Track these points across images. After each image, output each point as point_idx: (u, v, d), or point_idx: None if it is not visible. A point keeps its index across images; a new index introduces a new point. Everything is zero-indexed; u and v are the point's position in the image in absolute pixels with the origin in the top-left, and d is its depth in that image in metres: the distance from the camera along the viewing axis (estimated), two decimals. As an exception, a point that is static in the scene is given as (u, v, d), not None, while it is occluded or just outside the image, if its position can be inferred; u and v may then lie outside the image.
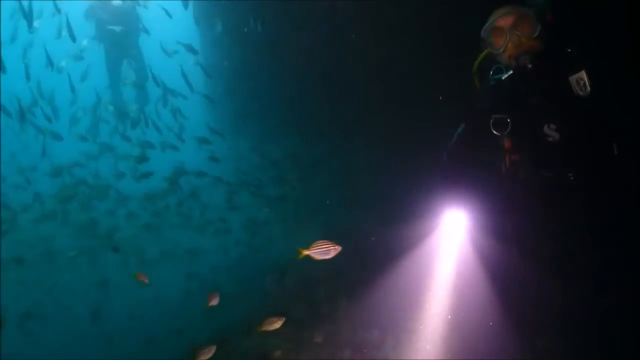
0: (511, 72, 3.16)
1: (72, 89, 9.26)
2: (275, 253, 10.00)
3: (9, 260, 10.01)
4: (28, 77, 8.01)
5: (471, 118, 3.42)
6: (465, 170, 3.57)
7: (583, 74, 2.93)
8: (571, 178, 3.16)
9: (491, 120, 3.21)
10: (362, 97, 7.46)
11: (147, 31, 10.18)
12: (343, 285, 6.95)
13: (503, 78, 3.22)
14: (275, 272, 8.29)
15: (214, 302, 5.16)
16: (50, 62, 8.27)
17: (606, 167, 3.04)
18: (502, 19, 3.02)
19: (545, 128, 3.10)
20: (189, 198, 12.04)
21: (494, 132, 3.20)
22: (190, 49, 9.30)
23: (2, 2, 8.58)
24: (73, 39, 8.20)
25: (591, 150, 3.06)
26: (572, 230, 3.29)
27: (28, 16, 8.01)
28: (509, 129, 3.18)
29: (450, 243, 3.63)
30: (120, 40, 10.86)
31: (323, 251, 3.51)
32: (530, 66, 2.95)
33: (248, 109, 10.94)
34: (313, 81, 8.09)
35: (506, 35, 3.00)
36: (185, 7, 9.17)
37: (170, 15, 9.36)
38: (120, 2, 10.54)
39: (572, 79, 2.97)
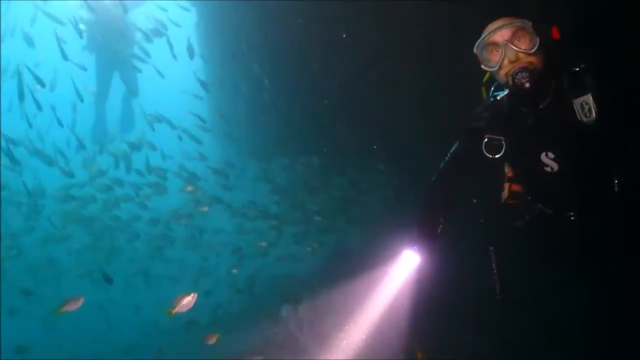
0: (507, 91, 2.86)
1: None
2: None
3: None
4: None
5: (465, 136, 3.11)
6: (453, 197, 3.28)
7: (589, 98, 2.59)
8: (572, 218, 2.87)
9: (484, 141, 2.92)
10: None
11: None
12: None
13: (499, 98, 2.93)
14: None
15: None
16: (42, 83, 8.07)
17: (607, 209, 2.73)
18: (497, 33, 2.67)
19: (543, 156, 2.79)
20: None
21: (486, 153, 2.91)
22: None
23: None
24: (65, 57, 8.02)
25: (593, 186, 2.76)
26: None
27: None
28: (502, 152, 2.89)
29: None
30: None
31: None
32: (528, 85, 2.59)
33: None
34: (331, 103, 7.92)
35: (502, 51, 2.65)
36: (191, 56, 8.90)
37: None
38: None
39: (576, 102, 2.63)
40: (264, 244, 10.96)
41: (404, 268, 3.19)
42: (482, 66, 2.80)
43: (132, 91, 11.80)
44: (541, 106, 2.73)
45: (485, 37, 2.71)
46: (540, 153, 2.79)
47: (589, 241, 2.95)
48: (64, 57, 7.83)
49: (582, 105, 2.59)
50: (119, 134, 11.80)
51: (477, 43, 2.76)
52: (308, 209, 10.86)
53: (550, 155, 2.76)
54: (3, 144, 8.12)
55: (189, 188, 9.83)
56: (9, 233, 11.05)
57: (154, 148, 9.77)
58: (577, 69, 2.66)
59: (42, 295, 10.65)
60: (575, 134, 2.65)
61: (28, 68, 7.64)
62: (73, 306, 5.30)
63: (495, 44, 2.70)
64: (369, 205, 10.19)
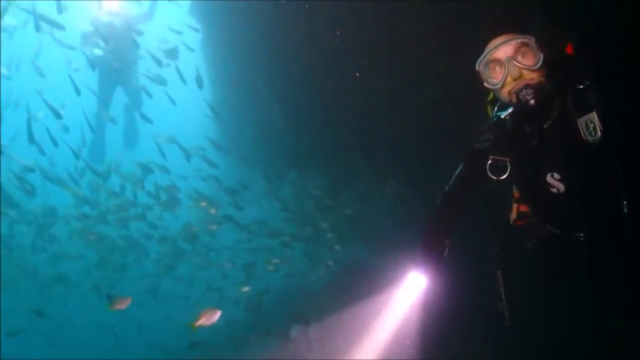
0: (511, 109, 2.71)
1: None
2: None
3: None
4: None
5: (469, 158, 3.02)
6: (458, 219, 3.16)
7: (594, 116, 2.50)
8: (581, 239, 2.79)
9: (488, 162, 2.83)
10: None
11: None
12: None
13: (503, 117, 2.78)
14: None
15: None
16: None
17: (616, 228, 2.62)
18: (500, 49, 2.61)
19: (549, 177, 2.70)
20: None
21: (491, 175, 2.82)
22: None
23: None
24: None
25: (600, 206, 2.66)
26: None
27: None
28: (507, 174, 2.80)
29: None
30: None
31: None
32: (533, 102, 2.51)
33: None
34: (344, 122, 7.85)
35: (505, 68, 2.58)
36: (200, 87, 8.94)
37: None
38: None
39: (581, 121, 2.54)
40: (276, 260, 10.92)
41: (410, 290, 3.14)
42: (485, 84, 2.73)
43: (135, 106, 11.87)
44: (545, 125, 2.65)
45: (488, 53, 2.65)
46: (546, 174, 2.71)
47: (599, 261, 2.87)
48: (77, 91, 7.88)
49: (586, 124, 2.51)
50: (125, 152, 11.81)
51: (479, 60, 2.70)
52: (318, 226, 10.84)
53: (556, 176, 2.68)
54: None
55: (203, 204, 9.87)
56: (20, 252, 11.06)
57: (165, 170, 9.79)
58: (582, 87, 2.57)
59: (51, 312, 10.76)
60: (581, 153, 2.57)
61: (46, 102, 7.73)
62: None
63: (497, 61, 2.64)
64: (379, 221, 10.05)
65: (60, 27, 8.28)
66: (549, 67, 2.59)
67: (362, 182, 9.41)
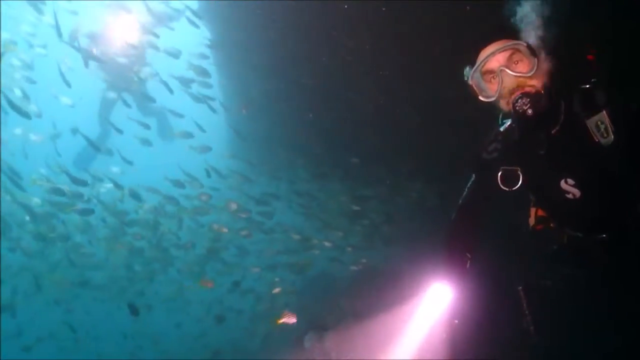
0: (509, 121, 2.67)
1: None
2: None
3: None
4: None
5: (479, 169, 2.91)
6: (477, 230, 3.04)
7: (604, 116, 2.37)
8: (603, 241, 2.70)
9: (499, 173, 2.69)
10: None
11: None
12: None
13: (501, 129, 2.73)
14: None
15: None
16: None
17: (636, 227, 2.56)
18: (492, 60, 2.46)
19: (563, 183, 2.58)
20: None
21: (502, 187, 2.68)
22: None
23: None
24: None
25: (618, 207, 2.58)
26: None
27: None
28: (519, 184, 2.66)
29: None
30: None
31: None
32: (530, 111, 2.36)
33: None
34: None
35: (499, 78, 2.44)
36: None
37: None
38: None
39: (591, 122, 2.41)
40: (299, 262, 10.87)
41: (433, 303, 3.02)
42: (480, 98, 2.57)
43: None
44: (553, 131, 2.51)
45: (479, 65, 2.49)
46: (559, 180, 2.58)
47: (626, 260, 2.81)
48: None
49: (597, 125, 2.39)
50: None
51: (470, 73, 2.54)
52: (340, 229, 10.83)
53: (570, 181, 2.55)
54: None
55: (234, 206, 9.91)
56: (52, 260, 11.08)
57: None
58: (588, 86, 2.46)
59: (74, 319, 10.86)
60: (594, 157, 2.45)
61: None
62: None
63: (490, 72, 2.50)
64: (401, 225, 10.08)
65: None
66: (548, 70, 2.46)
67: (385, 186, 9.40)
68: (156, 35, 8.74)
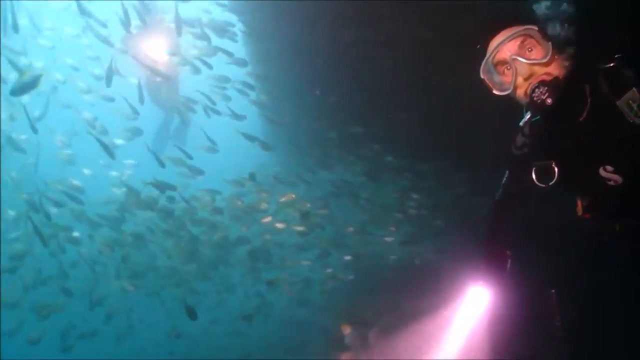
0: (529, 114, 2.45)
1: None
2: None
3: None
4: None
5: (511, 166, 2.77)
6: (511, 232, 2.94)
7: (635, 94, 2.18)
8: None
9: (533, 169, 2.52)
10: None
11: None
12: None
13: (521, 124, 2.53)
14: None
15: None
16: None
17: None
18: (502, 49, 2.31)
19: (602, 171, 2.36)
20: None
21: (537, 183, 2.50)
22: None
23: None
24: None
25: None
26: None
27: None
28: (555, 179, 2.47)
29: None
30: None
31: None
32: (549, 101, 2.20)
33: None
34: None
35: (512, 68, 2.28)
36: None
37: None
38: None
39: (622, 102, 2.20)
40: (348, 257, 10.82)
41: (474, 305, 3.00)
42: (495, 92, 2.41)
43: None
44: (581, 118, 2.31)
45: (490, 56, 2.35)
46: (598, 169, 2.37)
47: None
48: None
49: (629, 105, 2.18)
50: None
51: (482, 66, 2.38)
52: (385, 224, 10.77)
53: (609, 168, 2.34)
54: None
55: (292, 196, 9.89)
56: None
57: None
58: (612, 64, 2.23)
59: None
60: (630, 138, 2.24)
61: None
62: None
63: (502, 63, 2.35)
64: (446, 220, 9.99)
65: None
66: (565, 53, 2.30)
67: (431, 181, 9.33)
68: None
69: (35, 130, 8.12)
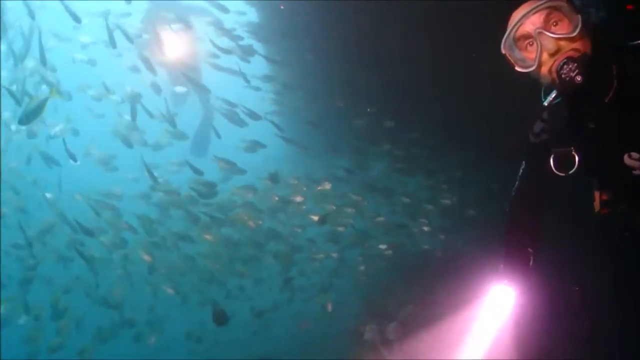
0: (555, 92, 2.22)
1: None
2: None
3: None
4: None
5: (529, 155, 2.59)
6: (536, 222, 2.73)
7: None
8: None
9: (551, 157, 2.34)
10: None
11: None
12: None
13: (546, 103, 2.28)
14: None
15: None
16: None
17: None
18: (526, 22, 2.11)
19: (626, 158, 2.17)
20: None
21: (556, 172, 2.32)
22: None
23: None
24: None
25: None
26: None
27: None
28: (576, 167, 2.29)
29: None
30: None
31: None
32: (579, 78, 1.99)
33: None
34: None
35: (536, 43, 2.08)
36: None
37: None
38: None
39: None
40: (385, 246, 10.62)
41: (497, 306, 2.82)
42: (517, 68, 2.22)
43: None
44: (607, 100, 2.14)
45: (512, 30, 2.15)
46: (622, 155, 2.19)
47: None
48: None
49: None
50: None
51: (503, 41, 2.19)
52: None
53: (635, 155, 2.16)
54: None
55: (327, 186, 9.87)
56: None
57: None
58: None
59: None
60: None
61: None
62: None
63: (526, 37, 2.15)
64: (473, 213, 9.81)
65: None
66: (593, 29, 2.10)
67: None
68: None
69: (74, 159, 8.36)
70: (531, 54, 2.14)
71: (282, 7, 7.30)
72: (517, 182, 2.69)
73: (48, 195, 10.95)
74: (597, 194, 2.64)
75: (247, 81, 8.85)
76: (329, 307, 10.17)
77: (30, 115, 6.57)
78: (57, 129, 9.49)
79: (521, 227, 2.72)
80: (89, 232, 8.74)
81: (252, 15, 9.51)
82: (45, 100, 6.61)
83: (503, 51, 2.24)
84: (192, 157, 11.38)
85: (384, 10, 6.78)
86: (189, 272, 11.16)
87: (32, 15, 8.47)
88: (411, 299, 7.99)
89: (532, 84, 2.35)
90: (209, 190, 8.55)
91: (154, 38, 9.46)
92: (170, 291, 10.28)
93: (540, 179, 2.56)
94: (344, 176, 9.94)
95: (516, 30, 2.15)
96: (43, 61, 8.11)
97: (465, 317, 3.18)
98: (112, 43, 8.38)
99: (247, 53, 8.81)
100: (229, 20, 9.21)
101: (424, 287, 8.10)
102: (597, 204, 2.64)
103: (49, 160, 9.75)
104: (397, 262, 10.51)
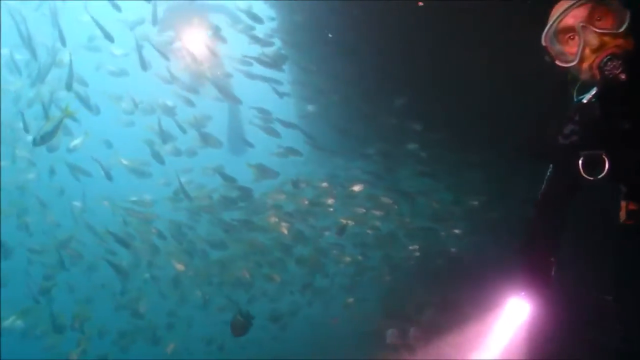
0: (595, 89, 2.17)
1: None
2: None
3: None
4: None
5: (556, 157, 2.50)
6: (560, 230, 2.65)
7: None
8: None
9: (580, 160, 2.26)
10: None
11: None
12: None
13: (585, 101, 2.24)
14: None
15: None
16: None
17: None
18: (569, 15, 2.06)
19: None
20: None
21: (585, 176, 2.24)
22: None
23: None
24: None
25: None
26: None
27: None
28: (606, 171, 2.21)
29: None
30: None
31: None
32: (623, 76, 1.94)
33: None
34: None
35: (579, 37, 2.05)
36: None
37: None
38: None
39: None
40: (415, 246, 10.72)
41: (514, 319, 2.77)
42: (557, 62, 2.17)
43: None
44: None
45: (554, 22, 2.10)
46: None
47: None
48: None
49: None
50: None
51: (545, 32, 2.14)
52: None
53: None
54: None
55: (358, 188, 9.92)
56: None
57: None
58: None
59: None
60: None
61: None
62: None
63: (568, 30, 2.09)
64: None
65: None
66: (637, 26, 2.03)
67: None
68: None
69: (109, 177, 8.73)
70: (572, 48, 2.10)
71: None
72: (543, 186, 2.60)
73: (76, 203, 11.19)
74: (624, 203, 2.58)
75: (280, 95, 9.00)
76: (349, 309, 10.34)
77: (45, 137, 6.54)
78: (78, 141, 9.60)
79: (544, 234, 2.64)
80: (124, 243, 8.86)
81: (280, 20, 9.53)
82: (60, 122, 6.61)
83: (544, 43, 2.20)
84: (232, 156, 11.72)
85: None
86: (215, 276, 11.25)
87: (62, 41, 8.67)
88: (433, 301, 8.11)
89: (562, 83, 2.36)
90: (243, 195, 8.67)
91: (183, 46, 9.55)
92: (199, 294, 10.33)
93: (567, 183, 2.48)
94: (372, 180, 10.01)
95: (558, 23, 2.10)
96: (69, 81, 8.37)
97: (485, 324, 3.14)
98: (143, 65, 8.61)
99: (277, 61, 8.88)
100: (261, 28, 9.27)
101: (445, 290, 8.20)
102: (623, 214, 2.58)
103: (77, 170, 10.06)
104: (421, 265, 10.57)
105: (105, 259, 9.62)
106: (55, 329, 9.31)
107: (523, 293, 2.62)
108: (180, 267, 9.50)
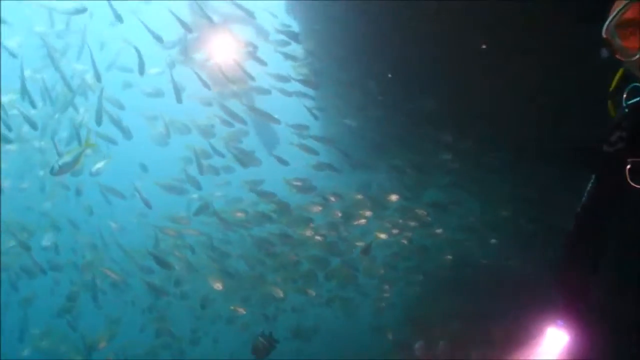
0: None
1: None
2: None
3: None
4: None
5: (601, 166, 2.39)
6: (602, 249, 2.50)
7: None
8: None
9: (627, 167, 2.15)
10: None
11: None
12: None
13: (627, 111, 2.17)
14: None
15: None
16: None
17: None
18: (633, 7, 1.97)
19: None
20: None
21: (633, 184, 2.13)
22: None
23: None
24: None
25: None
26: None
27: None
28: None
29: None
30: None
31: None
32: None
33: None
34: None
35: None
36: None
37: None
38: None
39: None
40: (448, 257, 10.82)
41: (552, 351, 2.54)
42: (617, 56, 2.08)
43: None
44: None
45: (616, 15, 2.00)
46: None
47: None
48: None
49: None
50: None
51: (605, 25, 2.04)
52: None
53: None
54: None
55: (397, 197, 10.05)
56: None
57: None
58: None
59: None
60: None
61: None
62: None
63: (630, 23, 1.98)
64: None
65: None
66: None
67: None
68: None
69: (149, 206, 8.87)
70: (634, 42, 1.99)
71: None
72: (584, 199, 2.47)
73: (113, 224, 11.34)
74: None
75: (315, 116, 9.12)
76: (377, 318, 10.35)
77: (64, 167, 6.46)
78: (100, 165, 9.42)
79: (584, 254, 2.50)
80: (164, 264, 8.90)
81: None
82: (80, 154, 6.52)
83: (604, 36, 2.08)
84: (269, 152, 11.86)
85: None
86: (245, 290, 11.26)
87: (97, 77, 8.84)
88: (461, 314, 8.08)
89: (612, 88, 2.26)
90: (281, 209, 8.77)
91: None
92: (240, 310, 10.35)
93: (611, 194, 2.37)
94: (403, 192, 10.11)
95: (620, 15, 2.00)
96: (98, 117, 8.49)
97: (518, 349, 2.86)
98: (178, 98, 8.73)
99: (311, 78, 9.03)
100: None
101: (475, 302, 8.17)
102: None
103: (109, 191, 10.21)
104: (451, 276, 10.57)
105: (142, 279, 9.71)
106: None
107: (560, 322, 2.46)
108: (218, 285, 9.45)
